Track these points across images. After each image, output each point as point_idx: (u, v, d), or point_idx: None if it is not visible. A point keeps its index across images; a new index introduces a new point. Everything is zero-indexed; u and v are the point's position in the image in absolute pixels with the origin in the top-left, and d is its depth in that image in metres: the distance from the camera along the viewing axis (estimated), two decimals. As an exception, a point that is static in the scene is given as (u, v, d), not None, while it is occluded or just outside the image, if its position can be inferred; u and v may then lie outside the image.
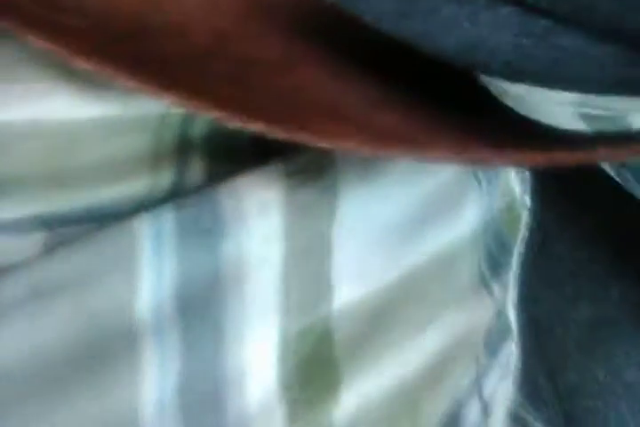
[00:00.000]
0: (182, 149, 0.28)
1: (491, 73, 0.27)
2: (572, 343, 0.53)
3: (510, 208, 0.39)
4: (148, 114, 0.28)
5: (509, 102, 0.36)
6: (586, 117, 0.39)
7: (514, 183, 0.39)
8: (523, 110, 0.36)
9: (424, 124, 0.27)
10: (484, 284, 0.35)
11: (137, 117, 0.28)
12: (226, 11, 0.27)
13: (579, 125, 0.39)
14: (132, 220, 0.26)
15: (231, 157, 0.29)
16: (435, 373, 0.31)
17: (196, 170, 0.28)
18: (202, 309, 0.26)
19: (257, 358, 0.27)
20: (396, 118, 0.27)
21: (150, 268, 0.26)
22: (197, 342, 0.26)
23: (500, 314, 0.37)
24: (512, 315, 0.39)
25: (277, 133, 0.23)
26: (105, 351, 0.25)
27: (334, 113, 0.26)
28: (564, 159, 0.24)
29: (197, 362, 0.26)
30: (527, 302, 0.50)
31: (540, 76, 0.28)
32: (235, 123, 0.23)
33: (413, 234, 0.31)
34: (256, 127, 0.23)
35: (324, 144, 0.23)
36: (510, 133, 0.28)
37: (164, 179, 0.28)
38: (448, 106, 0.28)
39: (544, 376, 0.51)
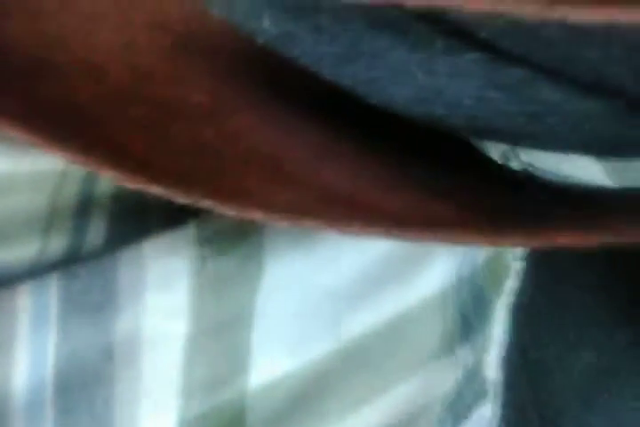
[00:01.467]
0: (82, 208, 0.25)
1: (453, 129, 0.24)
2: (572, 392, 0.50)
3: (496, 258, 0.35)
4: (45, 169, 0.25)
5: (512, 152, 0.33)
6: (607, 168, 0.35)
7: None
8: (526, 155, 0.32)
9: (385, 182, 0.24)
10: (450, 347, 0.31)
11: (31, 173, 0.24)
12: (147, 48, 0.23)
13: (593, 170, 0.35)
14: (14, 289, 0.23)
15: (139, 218, 0.26)
16: None
17: (96, 234, 0.25)
18: (84, 390, 0.23)
19: None
20: (345, 175, 0.23)
21: (29, 345, 0.23)
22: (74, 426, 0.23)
23: (472, 376, 0.33)
24: (491, 374, 0.36)
25: (182, 199, 0.20)
26: None
27: (272, 167, 0.23)
28: (569, 242, 0.21)
29: None
30: (527, 346, 0.47)
31: (509, 134, 0.24)
32: (132, 185, 0.20)
33: (361, 299, 0.27)
34: (157, 191, 0.20)
35: (238, 212, 0.20)
36: (500, 205, 0.24)
37: (58, 243, 0.25)
38: (423, 164, 0.25)
39: (538, 428, 0.48)
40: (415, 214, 0.22)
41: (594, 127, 0.23)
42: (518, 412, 0.47)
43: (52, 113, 0.21)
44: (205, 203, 0.20)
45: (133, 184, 0.20)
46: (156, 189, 0.20)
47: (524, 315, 0.45)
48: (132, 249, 0.25)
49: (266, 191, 0.21)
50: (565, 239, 0.20)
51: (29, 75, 0.22)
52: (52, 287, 0.24)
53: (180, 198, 0.20)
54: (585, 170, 0.32)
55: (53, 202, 0.25)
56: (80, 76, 0.22)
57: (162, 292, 0.25)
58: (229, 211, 0.20)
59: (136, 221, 0.26)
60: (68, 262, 0.24)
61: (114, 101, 0.22)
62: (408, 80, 0.22)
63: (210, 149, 0.22)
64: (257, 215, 0.20)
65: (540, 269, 0.45)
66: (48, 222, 0.25)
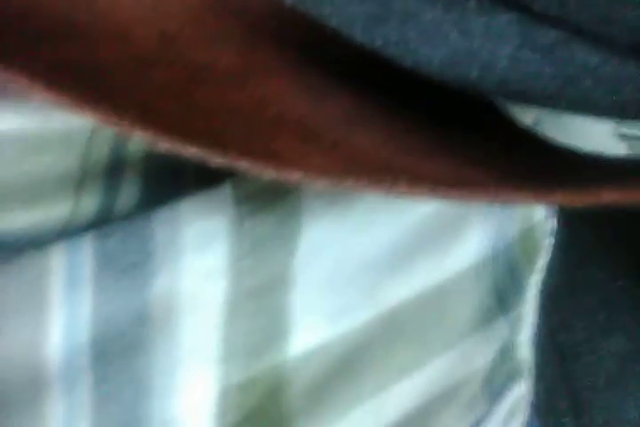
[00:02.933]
0: (113, 169, 0.24)
1: (485, 92, 0.23)
2: (602, 376, 0.49)
3: (528, 235, 0.34)
4: (75, 128, 0.24)
5: (534, 124, 0.32)
6: (625, 138, 0.35)
7: (535, 206, 0.35)
8: (550, 131, 0.31)
9: (418, 149, 0.23)
10: (487, 321, 0.30)
11: (61, 132, 0.24)
12: (174, 8, 0.23)
13: (618, 148, 0.34)
14: (47, 250, 0.23)
15: (172, 179, 0.25)
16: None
17: (129, 194, 0.25)
18: (123, 356, 0.22)
19: (189, 414, 0.23)
20: (377, 140, 0.23)
21: (63, 307, 0.22)
22: (114, 396, 0.22)
23: (507, 354, 0.33)
24: (524, 353, 0.35)
25: (217, 160, 0.19)
26: (5, 403, 0.22)
27: (302, 131, 0.22)
28: (613, 198, 0.20)
29: (114, 418, 0.22)
30: (556, 330, 0.46)
31: (544, 97, 0.23)
32: (166, 146, 0.19)
33: (397, 269, 0.27)
34: (191, 152, 0.19)
35: (273, 173, 0.20)
36: (537, 165, 0.23)
37: (90, 203, 0.24)
38: (454, 131, 0.24)
39: (569, 413, 0.47)
40: (454, 179, 0.22)
41: (631, 92, 0.22)
42: (549, 396, 0.46)
43: (79, 75, 0.20)
44: (242, 164, 0.20)
45: (168, 145, 0.19)
46: (191, 150, 0.19)
47: (552, 297, 0.44)
48: (167, 209, 0.24)
49: (298, 155, 0.21)
50: (611, 195, 0.20)
51: (54, 35, 0.21)
52: (86, 248, 0.23)
53: (216, 159, 0.20)
54: (609, 147, 0.31)
55: (84, 161, 0.24)
56: (105, 37, 0.22)
57: (199, 253, 0.24)
58: (267, 172, 0.20)
59: (170, 181, 0.25)
60: (102, 223, 0.24)
61: (139, 64, 0.22)
62: (441, 41, 0.21)
63: (240, 113, 0.22)
64: (296, 176, 0.20)
65: (567, 249, 0.44)
66: (79, 182, 0.24)
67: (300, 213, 0.25)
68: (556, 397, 0.47)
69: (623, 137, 0.35)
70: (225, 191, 0.25)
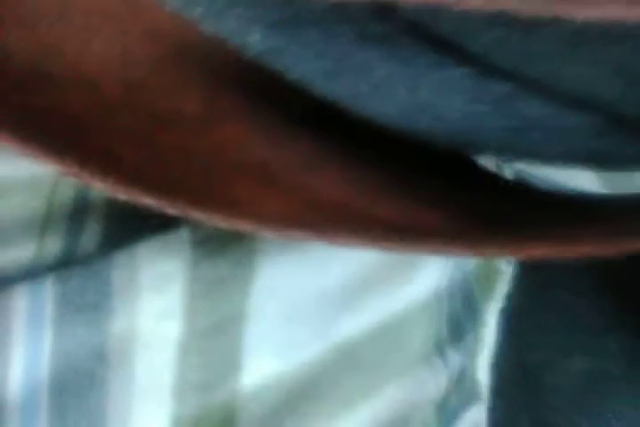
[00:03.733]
0: (77, 212, 0.25)
1: (438, 143, 0.24)
2: (562, 397, 0.50)
3: (488, 263, 0.35)
4: (42, 173, 0.25)
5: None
6: (601, 176, 0.35)
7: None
8: (527, 167, 0.32)
9: (375, 191, 0.24)
10: (439, 351, 0.31)
11: (28, 175, 0.25)
12: (140, 58, 0.24)
13: (592, 183, 0.35)
14: (11, 290, 0.23)
15: (133, 222, 0.26)
16: None
17: (92, 236, 0.25)
18: (79, 392, 0.23)
19: None
20: (335, 182, 0.23)
21: (24, 346, 0.23)
22: None
23: (462, 379, 0.33)
24: (482, 375, 0.36)
25: (171, 210, 0.20)
26: None
27: (262, 176, 0.23)
28: (585, 251, 0.21)
29: None
30: (518, 350, 0.47)
31: (494, 147, 0.24)
32: (123, 196, 0.20)
33: (350, 303, 0.28)
34: (147, 203, 0.20)
35: (227, 223, 0.20)
36: (496, 210, 0.24)
37: (53, 245, 0.25)
38: (414, 170, 0.25)
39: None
40: (405, 223, 0.22)
41: (579, 142, 0.23)
42: (508, 416, 0.47)
43: (46, 124, 0.21)
44: (194, 214, 0.20)
45: (126, 195, 0.20)
46: (147, 201, 0.20)
47: (514, 319, 0.45)
48: (126, 251, 0.25)
49: (255, 200, 0.21)
50: (541, 251, 0.20)
51: (24, 85, 0.22)
52: (48, 289, 0.24)
53: (170, 209, 0.20)
54: (579, 178, 0.32)
55: (49, 205, 0.25)
56: (73, 86, 0.22)
57: (156, 294, 0.25)
58: (218, 222, 0.20)
59: (130, 224, 0.26)
60: (64, 265, 0.25)
61: (106, 112, 0.22)
62: (391, 96, 0.22)
63: (200, 159, 0.22)
64: (246, 226, 0.20)
65: (531, 272, 0.45)
66: (44, 225, 0.25)
67: (255, 254, 0.26)
68: (518, 416, 0.48)
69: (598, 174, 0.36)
70: (182, 235, 0.25)
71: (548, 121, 0.22)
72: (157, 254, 0.25)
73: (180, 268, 0.25)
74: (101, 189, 0.20)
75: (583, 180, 0.33)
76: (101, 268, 0.24)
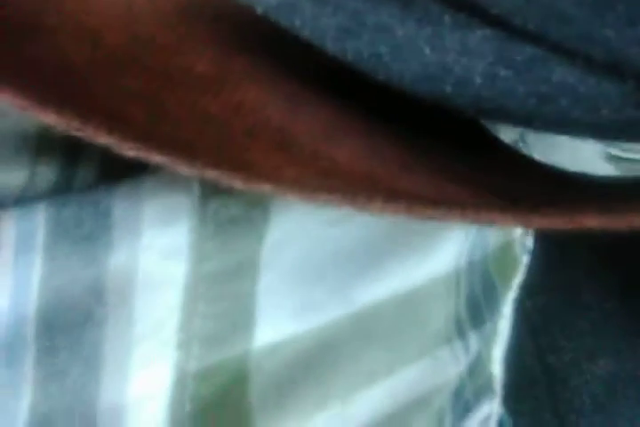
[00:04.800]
0: (73, 139, 0.24)
1: (460, 108, 0.23)
2: (588, 399, 0.48)
3: (506, 249, 0.34)
4: None
5: (518, 141, 0.31)
6: (613, 159, 0.34)
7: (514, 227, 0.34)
8: (535, 150, 0.31)
9: (398, 162, 0.23)
10: (460, 334, 0.30)
11: None
12: (147, 12, 0.23)
13: (606, 169, 0.33)
14: None
15: None
16: None
17: (89, 167, 0.24)
18: (71, 330, 0.22)
19: (141, 399, 0.22)
20: (356, 152, 0.22)
21: (11, 276, 0.22)
22: (59, 372, 0.22)
23: (478, 369, 0.32)
24: (496, 369, 0.34)
25: (183, 168, 0.19)
26: None
27: (279, 141, 0.22)
28: (597, 223, 0.20)
29: (57, 398, 0.21)
30: (541, 350, 0.46)
31: (518, 115, 0.23)
32: (131, 152, 0.19)
33: (369, 267, 0.26)
34: (157, 160, 0.19)
35: (245, 184, 0.19)
36: (518, 185, 0.23)
37: (47, 173, 0.23)
38: (437, 144, 0.24)
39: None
40: (431, 196, 0.21)
41: (608, 111, 0.22)
42: (535, 415, 0.45)
43: (44, 77, 0.20)
44: (210, 174, 0.19)
45: (134, 152, 0.19)
46: (157, 158, 0.19)
47: (539, 318, 0.44)
48: (128, 184, 0.23)
49: (272, 165, 0.20)
50: (593, 220, 0.19)
51: (20, 37, 0.21)
52: (40, 216, 0.22)
53: (183, 168, 0.19)
54: (595, 169, 0.31)
55: (43, 128, 0.23)
56: (74, 40, 0.21)
57: (160, 230, 0.23)
58: (235, 182, 0.19)
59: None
60: (59, 192, 0.23)
61: (110, 69, 0.21)
62: (415, 56, 0.21)
63: (214, 121, 0.21)
64: (265, 188, 0.19)
65: (557, 272, 0.43)
66: (37, 150, 0.23)
67: (269, 199, 0.25)
68: (543, 419, 0.46)
69: (610, 158, 0.35)
70: None
71: (576, 88, 0.21)
72: (163, 188, 0.23)
73: (187, 204, 0.23)
74: (108, 144, 0.19)
75: (596, 166, 0.32)
76: (101, 197, 0.23)
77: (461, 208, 0.20)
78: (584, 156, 0.32)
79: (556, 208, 0.20)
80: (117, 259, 0.23)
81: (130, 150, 0.19)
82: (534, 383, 0.46)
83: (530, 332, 0.46)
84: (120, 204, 0.23)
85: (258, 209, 0.24)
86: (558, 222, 0.20)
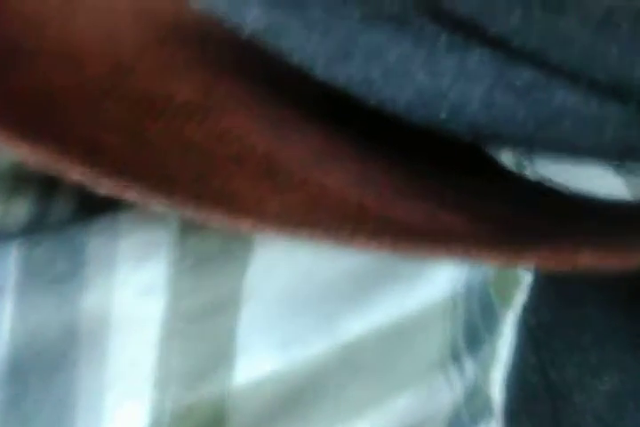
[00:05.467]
0: (49, 174, 0.22)
1: (455, 134, 0.22)
2: (591, 417, 0.47)
3: (507, 270, 0.33)
4: None
5: (522, 159, 0.30)
6: (622, 172, 0.33)
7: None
8: (544, 168, 0.30)
9: (391, 189, 0.22)
10: (455, 359, 0.29)
11: None
12: (129, 37, 0.21)
13: (615, 184, 0.32)
14: None
15: None
16: None
17: (64, 202, 0.23)
18: (44, 374, 0.21)
19: None
20: (348, 180, 0.21)
21: None
22: (31, 418, 0.21)
23: (474, 394, 0.31)
24: (495, 393, 0.33)
25: (159, 204, 0.18)
26: None
27: (265, 169, 0.21)
28: (593, 262, 0.19)
29: None
30: (543, 366, 0.45)
31: (518, 139, 0.22)
32: (105, 188, 0.17)
33: (357, 298, 0.25)
34: (132, 196, 0.18)
35: (224, 220, 0.18)
36: (521, 214, 0.22)
37: (23, 206, 0.22)
38: (432, 169, 0.23)
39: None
40: (425, 226, 0.20)
41: (610, 132, 0.21)
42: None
43: (20, 106, 0.19)
44: (188, 209, 0.18)
45: (108, 188, 0.18)
46: (132, 195, 0.18)
47: (540, 334, 0.43)
48: (103, 219, 0.22)
49: (256, 196, 0.19)
50: (588, 259, 0.18)
51: None
52: (11, 255, 0.21)
53: (160, 204, 0.18)
54: (603, 184, 0.29)
55: (19, 164, 0.22)
56: (55, 65, 0.20)
57: (136, 266, 0.22)
58: (215, 218, 0.18)
59: None
60: (33, 231, 0.22)
61: (90, 95, 0.20)
62: (408, 81, 0.20)
63: (197, 149, 0.20)
64: (246, 224, 0.18)
65: (558, 287, 0.42)
66: (12, 185, 0.22)
67: None
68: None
69: (619, 170, 0.34)
70: None
71: (578, 110, 0.20)
72: (139, 223, 0.22)
73: (166, 238, 0.22)
74: (81, 180, 0.18)
75: (609, 187, 0.31)
76: (75, 233, 0.22)
77: (449, 246, 0.19)
78: (593, 170, 0.31)
79: (552, 245, 0.19)
80: (91, 298, 0.22)
81: (103, 188, 0.18)
82: (536, 400, 0.45)
83: (532, 347, 0.45)
84: (95, 239, 0.22)
85: (239, 241, 0.23)
86: (551, 262, 0.19)
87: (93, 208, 0.23)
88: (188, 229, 0.23)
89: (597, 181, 0.31)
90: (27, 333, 0.21)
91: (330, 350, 0.25)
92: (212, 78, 0.22)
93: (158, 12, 0.22)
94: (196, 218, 0.18)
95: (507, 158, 0.27)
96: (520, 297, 0.35)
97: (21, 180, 0.23)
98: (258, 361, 0.23)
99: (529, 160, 0.31)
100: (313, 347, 0.24)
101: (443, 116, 0.20)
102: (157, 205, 0.18)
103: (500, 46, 0.20)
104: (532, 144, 0.21)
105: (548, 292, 0.42)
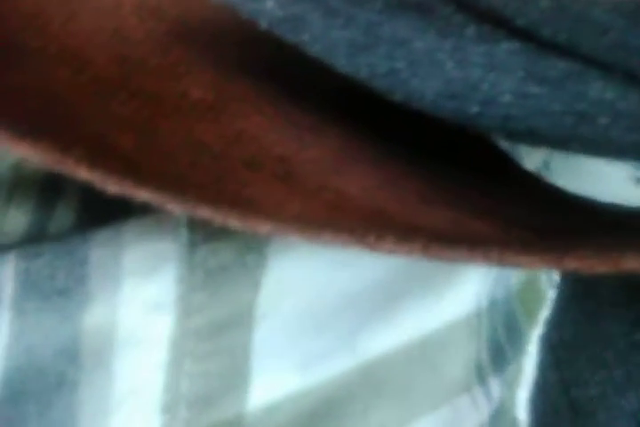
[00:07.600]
0: (51, 181, 0.21)
1: (486, 130, 0.20)
2: (616, 436, 0.45)
3: (531, 284, 0.31)
4: None
5: (541, 168, 0.29)
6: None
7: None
8: (560, 176, 0.28)
9: (415, 195, 0.20)
10: (480, 380, 0.27)
11: None
12: (137, 34, 0.20)
13: (637, 195, 0.31)
14: None
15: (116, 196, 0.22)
16: None
17: (66, 212, 0.21)
18: (42, 396, 0.19)
19: None
20: (369, 185, 0.20)
21: None
22: None
23: (501, 416, 0.29)
24: (521, 415, 0.31)
25: (172, 205, 0.16)
26: None
27: (282, 173, 0.19)
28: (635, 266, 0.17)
29: None
30: (567, 384, 0.44)
31: (553, 136, 0.20)
32: (115, 188, 0.16)
33: (380, 313, 0.23)
34: (144, 196, 0.16)
35: (241, 223, 0.17)
36: (546, 219, 0.20)
37: (19, 219, 0.21)
38: (456, 175, 0.21)
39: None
40: (452, 233, 0.19)
41: None
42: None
43: (23, 105, 0.17)
44: (202, 211, 0.17)
45: (117, 187, 0.16)
46: (144, 195, 0.16)
47: (564, 351, 0.41)
48: (107, 230, 0.20)
49: (272, 200, 0.18)
50: (632, 263, 0.17)
51: (0, 60, 0.19)
52: (8, 267, 0.20)
53: (173, 206, 0.17)
54: (626, 195, 0.28)
55: (17, 171, 0.21)
56: (58, 62, 0.19)
57: (142, 280, 0.20)
58: (231, 221, 0.17)
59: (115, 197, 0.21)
60: (31, 241, 0.20)
61: (96, 94, 0.19)
62: (436, 72, 0.18)
63: (210, 152, 0.19)
64: (264, 227, 0.17)
65: (582, 302, 0.41)
66: (9, 192, 0.21)
67: (266, 242, 0.22)
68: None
69: (640, 182, 0.32)
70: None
71: (615, 104, 0.19)
72: (146, 234, 0.21)
73: (175, 250, 0.21)
74: (89, 180, 0.16)
75: (630, 198, 0.30)
76: (77, 244, 0.20)
77: (484, 248, 0.17)
78: (613, 181, 0.30)
79: (593, 248, 0.18)
80: (94, 315, 0.20)
81: (113, 186, 0.16)
82: (559, 419, 0.44)
83: (554, 365, 0.43)
84: (98, 251, 0.20)
85: (252, 253, 0.22)
86: (595, 265, 0.18)
87: (96, 218, 0.21)
88: (197, 239, 0.21)
89: (618, 192, 0.30)
90: (24, 351, 0.19)
91: (350, 369, 0.23)
92: (223, 78, 0.21)
93: (164, 10, 0.21)
94: (210, 221, 0.17)
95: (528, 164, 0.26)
96: (544, 313, 0.34)
97: (20, 186, 0.21)
98: (274, 382, 0.22)
99: (547, 170, 0.29)
100: (333, 366, 0.23)
101: (474, 109, 0.19)
102: (170, 206, 0.17)
103: (529, 37, 0.18)
104: (567, 141, 0.20)
105: (570, 307, 0.40)
